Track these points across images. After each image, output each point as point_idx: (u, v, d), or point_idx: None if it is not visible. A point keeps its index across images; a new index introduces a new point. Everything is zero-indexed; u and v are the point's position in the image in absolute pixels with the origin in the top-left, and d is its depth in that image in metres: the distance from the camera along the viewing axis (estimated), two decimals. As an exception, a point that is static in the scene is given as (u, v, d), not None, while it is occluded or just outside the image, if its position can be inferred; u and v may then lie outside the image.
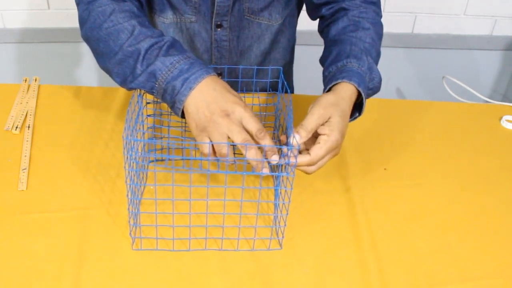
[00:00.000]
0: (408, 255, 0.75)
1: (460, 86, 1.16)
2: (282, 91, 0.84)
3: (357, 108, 0.82)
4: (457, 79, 1.16)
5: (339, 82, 0.79)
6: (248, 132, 0.70)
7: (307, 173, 0.74)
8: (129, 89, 0.77)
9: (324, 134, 0.73)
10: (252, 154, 0.68)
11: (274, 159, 0.69)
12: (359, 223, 0.79)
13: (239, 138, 0.68)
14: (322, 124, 0.73)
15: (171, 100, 0.72)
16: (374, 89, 0.85)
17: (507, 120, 1.04)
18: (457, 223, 0.81)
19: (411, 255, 0.75)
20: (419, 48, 1.88)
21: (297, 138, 0.70)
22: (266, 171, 0.69)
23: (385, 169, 0.90)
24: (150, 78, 0.73)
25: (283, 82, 0.83)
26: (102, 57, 0.78)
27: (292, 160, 0.69)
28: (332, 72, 0.82)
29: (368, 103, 1.06)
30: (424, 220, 0.81)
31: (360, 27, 0.87)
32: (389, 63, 1.88)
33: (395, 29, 1.82)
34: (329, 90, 0.79)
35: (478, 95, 1.14)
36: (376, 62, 0.86)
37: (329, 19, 0.93)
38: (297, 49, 1.17)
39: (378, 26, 0.90)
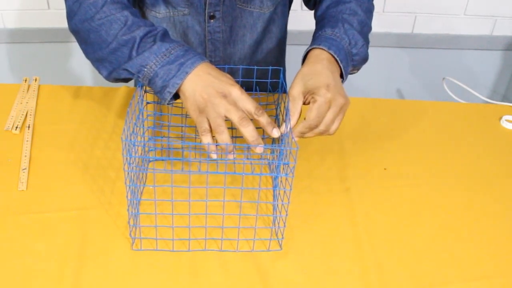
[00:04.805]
0: (408, 255, 0.75)
1: (460, 86, 1.15)
2: (281, 91, 0.84)
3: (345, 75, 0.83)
4: (457, 79, 1.16)
5: (309, 50, 0.81)
6: (245, 112, 0.72)
7: (319, 134, 0.76)
8: (116, 76, 0.78)
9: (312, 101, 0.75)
10: (249, 130, 0.70)
11: (275, 133, 0.71)
12: (358, 224, 0.79)
13: (236, 115, 0.70)
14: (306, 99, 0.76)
15: (162, 84, 0.73)
16: (360, 54, 0.85)
17: (507, 120, 1.04)
18: (457, 223, 0.81)
19: (411, 255, 0.75)
20: (419, 48, 1.87)
21: (288, 127, 0.73)
22: (260, 150, 0.71)
23: (385, 169, 0.90)
24: (143, 61, 0.74)
25: (282, 82, 0.84)
26: (92, 47, 0.80)
27: (292, 160, 0.69)
28: (309, 47, 0.84)
29: (369, 103, 1.07)
30: (424, 220, 0.81)
31: (340, 2, 0.89)
32: (389, 63, 1.88)
33: (395, 29, 1.82)
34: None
35: (478, 95, 1.14)
36: (360, 31, 0.86)
37: (318, 3, 0.95)
38: (291, 49, 1.16)
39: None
